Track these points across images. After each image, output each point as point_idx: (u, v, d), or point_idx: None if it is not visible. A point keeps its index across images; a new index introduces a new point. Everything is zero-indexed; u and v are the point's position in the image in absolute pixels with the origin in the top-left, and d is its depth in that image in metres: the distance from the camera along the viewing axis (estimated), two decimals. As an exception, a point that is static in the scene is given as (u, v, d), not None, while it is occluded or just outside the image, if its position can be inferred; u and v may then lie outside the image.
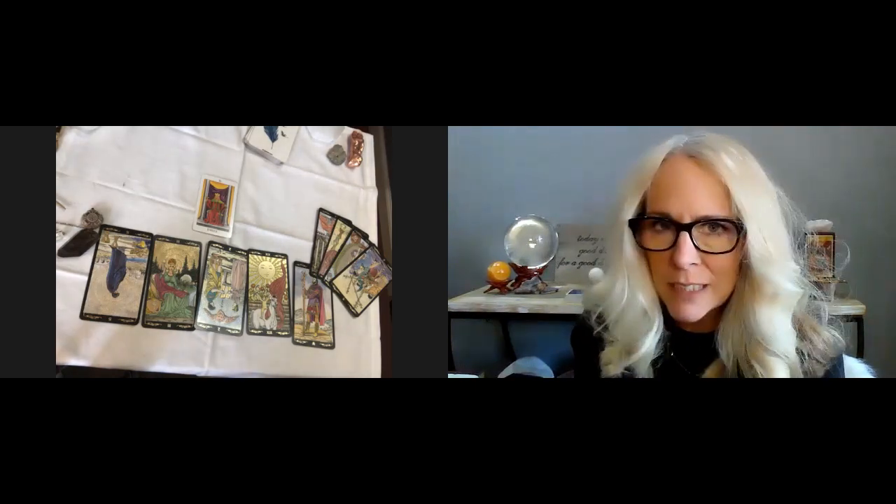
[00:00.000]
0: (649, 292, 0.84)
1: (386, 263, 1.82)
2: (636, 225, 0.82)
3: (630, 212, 0.83)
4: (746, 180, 0.79)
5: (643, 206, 0.83)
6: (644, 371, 0.88)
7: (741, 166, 0.79)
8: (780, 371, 0.81)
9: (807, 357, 0.84)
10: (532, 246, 2.36)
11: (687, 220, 0.77)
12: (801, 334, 0.84)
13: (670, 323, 0.88)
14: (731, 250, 0.78)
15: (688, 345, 0.89)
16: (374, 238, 1.85)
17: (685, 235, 0.77)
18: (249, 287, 1.52)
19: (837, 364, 0.87)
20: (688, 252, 0.77)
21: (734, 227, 0.78)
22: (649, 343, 0.85)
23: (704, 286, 0.80)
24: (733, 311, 0.83)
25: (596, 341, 0.93)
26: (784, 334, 0.81)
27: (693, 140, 0.83)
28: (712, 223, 0.78)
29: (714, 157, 0.79)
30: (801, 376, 0.84)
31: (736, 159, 0.79)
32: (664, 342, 0.88)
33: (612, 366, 0.90)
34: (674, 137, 0.85)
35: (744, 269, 0.80)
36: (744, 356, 0.83)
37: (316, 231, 1.73)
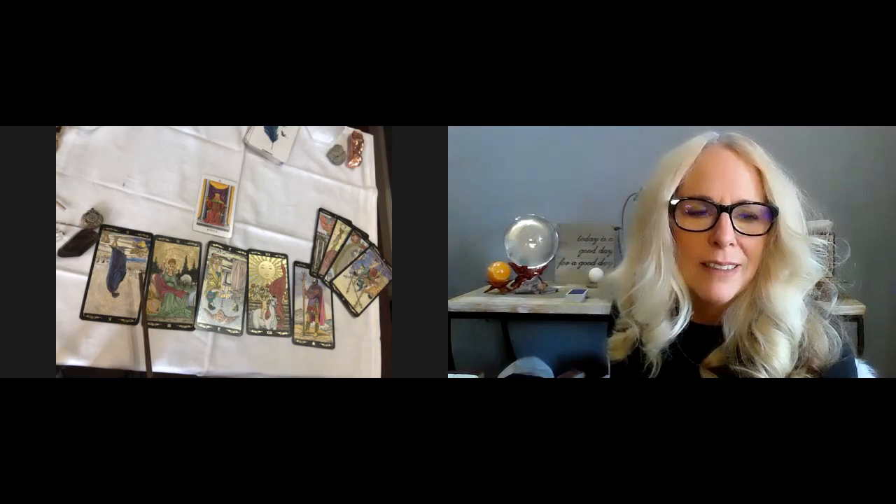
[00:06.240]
0: (679, 276, 0.88)
1: (386, 263, 1.82)
2: (674, 208, 0.87)
3: (668, 195, 0.88)
4: (775, 169, 0.87)
5: (679, 191, 0.88)
6: (653, 356, 0.91)
7: (769, 157, 0.88)
8: (782, 345, 0.84)
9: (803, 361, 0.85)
10: (532, 246, 2.36)
11: (728, 203, 0.84)
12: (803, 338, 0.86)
13: None
14: (765, 233, 0.85)
15: (693, 336, 0.90)
16: (374, 238, 1.85)
17: (726, 216, 0.84)
18: (249, 287, 1.53)
19: (838, 370, 0.86)
20: (729, 231, 0.83)
21: (767, 212, 0.85)
22: (673, 328, 0.88)
23: (737, 266, 0.85)
24: (747, 291, 0.87)
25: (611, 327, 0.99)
26: (795, 310, 0.85)
27: (727, 134, 0.90)
28: (747, 208, 0.85)
29: (750, 147, 0.87)
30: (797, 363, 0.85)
31: (765, 152, 0.88)
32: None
33: (617, 352, 0.96)
34: (706, 132, 0.91)
35: (764, 252, 0.86)
36: (747, 331, 0.86)
37: (316, 231, 1.73)
